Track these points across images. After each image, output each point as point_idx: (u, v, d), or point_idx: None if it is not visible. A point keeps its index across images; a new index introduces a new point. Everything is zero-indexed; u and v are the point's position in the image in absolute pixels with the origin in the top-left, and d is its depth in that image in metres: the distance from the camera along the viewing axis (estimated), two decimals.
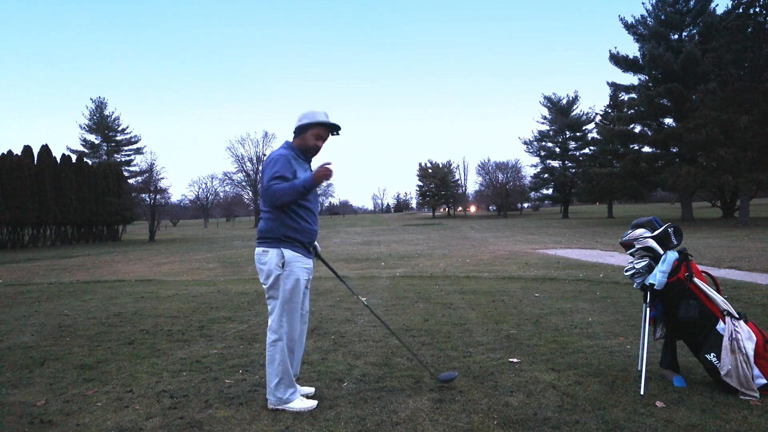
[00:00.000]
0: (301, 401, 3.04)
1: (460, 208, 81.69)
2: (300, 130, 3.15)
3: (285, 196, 2.93)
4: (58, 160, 30.41)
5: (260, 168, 66.98)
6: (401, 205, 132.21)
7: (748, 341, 3.04)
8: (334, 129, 3.20)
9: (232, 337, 4.89)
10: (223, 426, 2.79)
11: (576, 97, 59.08)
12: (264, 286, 3.09)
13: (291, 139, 3.22)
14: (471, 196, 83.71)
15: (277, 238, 3.03)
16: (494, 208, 74.46)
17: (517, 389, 3.21)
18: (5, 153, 27.20)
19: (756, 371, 3.00)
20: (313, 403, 3.05)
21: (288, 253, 3.02)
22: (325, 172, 2.96)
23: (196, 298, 7.52)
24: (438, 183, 73.85)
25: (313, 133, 3.14)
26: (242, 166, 68.34)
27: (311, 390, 3.27)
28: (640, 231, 3.40)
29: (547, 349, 4.14)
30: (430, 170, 75.42)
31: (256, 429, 2.75)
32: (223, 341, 4.72)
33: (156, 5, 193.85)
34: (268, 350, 3.05)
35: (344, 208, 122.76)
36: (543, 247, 16.18)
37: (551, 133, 60.13)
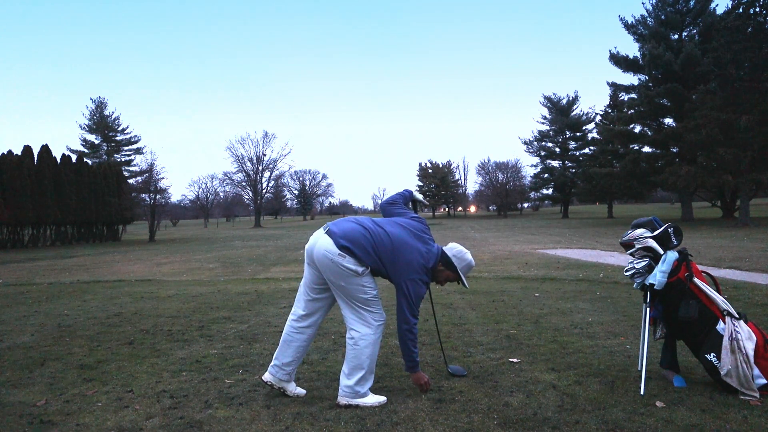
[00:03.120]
0: (373, 396, 3.07)
1: (460, 208, 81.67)
2: (449, 265, 3.21)
3: (406, 344, 3.07)
4: (58, 160, 30.35)
5: (262, 173, 67.27)
6: None
7: (748, 341, 3.04)
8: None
9: (232, 337, 4.89)
10: (223, 426, 2.79)
11: (576, 97, 59.06)
12: (339, 286, 3.08)
13: (443, 248, 3.27)
14: (471, 196, 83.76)
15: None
16: (494, 208, 74.44)
17: (517, 389, 3.21)
18: (5, 153, 27.16)
19: (756, 371, 3.00)
20: (383, 398, 3.08)
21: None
22: (422, 386, 3.19)
23: (196, 298, 7.52)
24: (438, 183, 73.82)
25: (450, 277, 3.24)
26: (242, 166, 68.32)
27: (303, 391, 3.26)
28: (640, 231, 3.39)
29: (547, 349, 4.14)
30: (430, 170, 75.39)
31: (256, 429, 2.75)
32: (223, 341, 4.72)
33: (156, 5, 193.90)
34: (356, 346, 3.05)
35: (344, 208, 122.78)
36: (543, 247, 16.18)
37: (551, 133, 60.11)
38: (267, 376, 3.21)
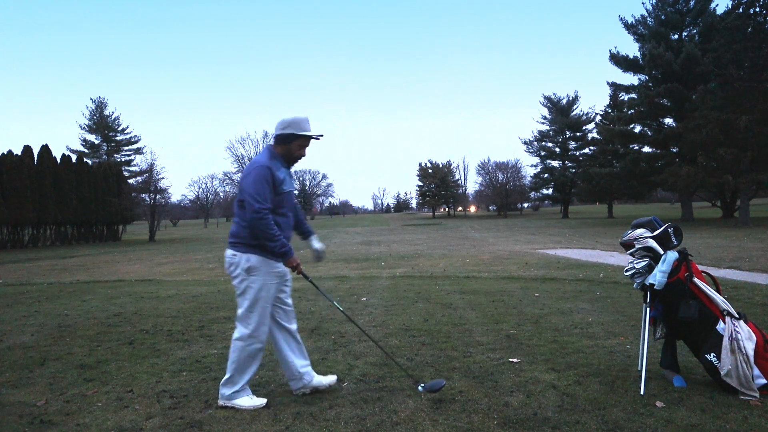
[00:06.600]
0: (248, 399, 3.06)
1: (460, 208, 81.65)
2: (284, 139, 3.09)
3: (263, 235, 2.95)
4: (58, 160, 30.41)
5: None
6: (401, 205, 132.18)
7: (748, 341, 3.04)
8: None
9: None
10: (223, 426, 2.79)
11: (576, 97, 59.13)
12: (236, 290, 3.13)
13: (272, 143, 3.17)
14: (471, 196, 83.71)
15: (246, 243, 3.04)
16: (494, 208, 74.42)
17: (517, 389, 3.21)
18: (5, 153, 27.20)
19: (756, 371, 3.00)
20: (261, 401, 3.06)
21: (255, 259, 3.03)
22: (295, 268, 3.10)
23: (196, 298, 7.52)
24: (438, 183, 73.82)
25: (299, 144, 3.12)
26: (242, 166, 68.31)
27: (333, 378, 3.35)
28: (640, 231, 3.40)
29: (547, 349, 4.14)
30: (430, 170, 75.38)
31: (256, 429, 2.75)
32: (223, 341, 4.71)
33: (156, 6, 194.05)
34: (231, 347, 3.13)
35: (344, 208, 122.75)
36: (543, 247, 16.18)
37: (551, 133, 60.14)
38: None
